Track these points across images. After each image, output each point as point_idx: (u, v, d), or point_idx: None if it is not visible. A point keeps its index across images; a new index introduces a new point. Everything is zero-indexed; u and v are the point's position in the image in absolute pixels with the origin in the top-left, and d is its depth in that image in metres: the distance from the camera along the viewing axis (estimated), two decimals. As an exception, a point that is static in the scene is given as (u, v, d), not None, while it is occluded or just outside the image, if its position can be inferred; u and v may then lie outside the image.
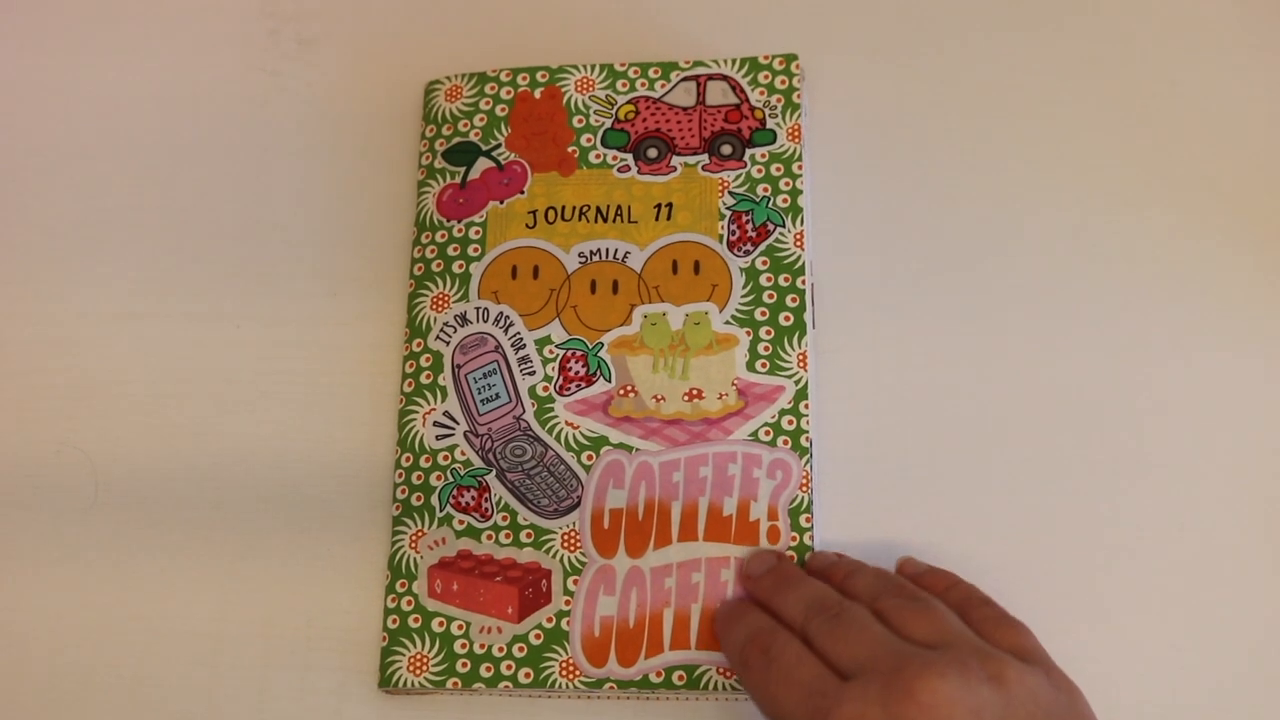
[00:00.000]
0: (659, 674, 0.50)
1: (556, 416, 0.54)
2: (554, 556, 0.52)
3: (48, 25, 0.64)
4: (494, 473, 0.54)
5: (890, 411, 0.56)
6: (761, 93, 0.58)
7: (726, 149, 0.57)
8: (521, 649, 0.51)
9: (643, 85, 0.59)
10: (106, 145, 0.61)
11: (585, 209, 0.57)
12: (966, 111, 0.61)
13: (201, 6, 0.64)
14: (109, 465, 0.55)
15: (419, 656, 0.51)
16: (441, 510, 0.53)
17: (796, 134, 0.57)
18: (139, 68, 0.63)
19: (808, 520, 0.52)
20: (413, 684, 0.51)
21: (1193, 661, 0.52)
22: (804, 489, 0.52)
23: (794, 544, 0.52)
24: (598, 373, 0.55)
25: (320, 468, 0.56)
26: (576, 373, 0.55)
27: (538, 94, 0.59)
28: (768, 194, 0.56)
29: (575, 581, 0.52)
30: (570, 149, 0.58)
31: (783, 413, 0.53)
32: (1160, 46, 0.62)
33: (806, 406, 0.54)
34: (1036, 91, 0.61)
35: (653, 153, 0.58)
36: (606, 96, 0.59)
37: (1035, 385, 0.56)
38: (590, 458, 0.54)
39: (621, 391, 0.54)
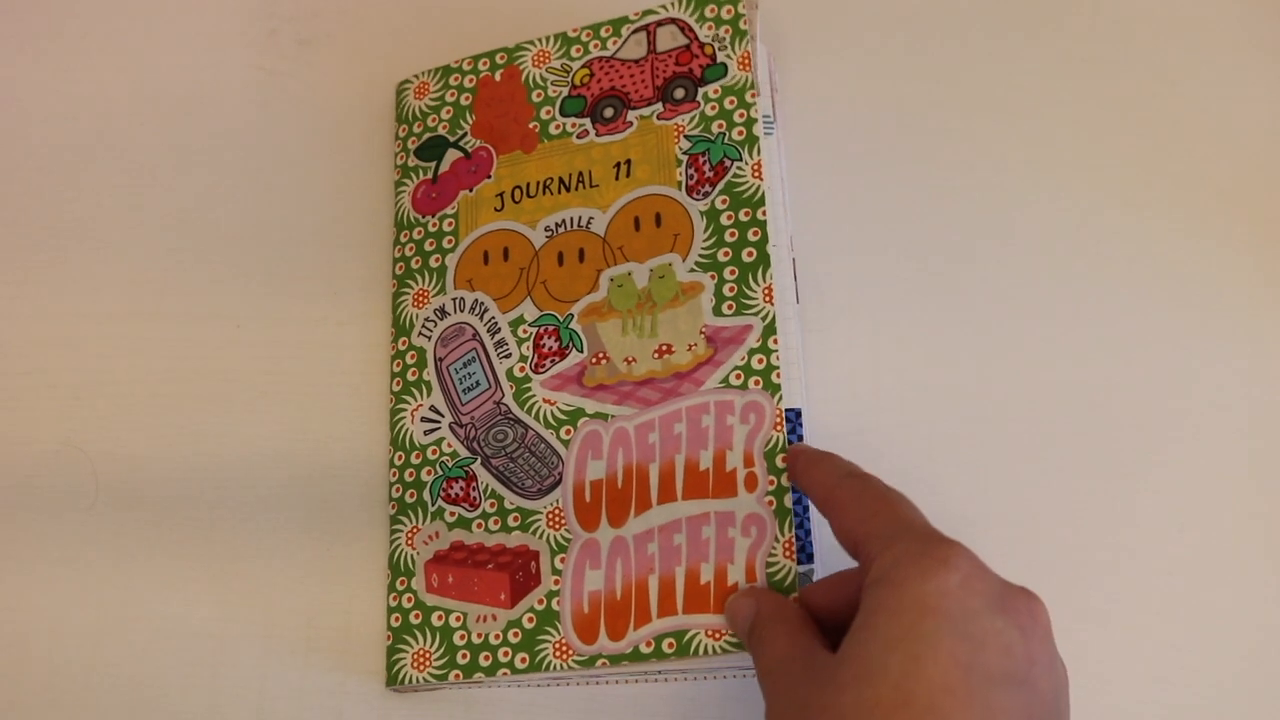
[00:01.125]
0: (649, 644, 0.48)
1: (534, 395, 0.53)
2: (540, 537, 0.51)
3: (48, 25, 0.64)
4: (479, 460, 0.53)
5: (882, 409, 0.55)
6: (710, 28, 0.55)
7: (679, 93, 0.55)
8: (516, 634, 0.50)
9: (596, 47, 0.58)
10: (106, 145, 0.61)
11: (549, 182, 0.56)
12: (964, 107, 0.61)
13: (201, 6, 0.64)
14: (109, 465, 0.55)
15: (422, 652, 0.51)
16: (433, 504, 0.53)
17: (746, 62, 0.54)
18: (139, 67, 0.63)
19: (783, 460, 0.49)
20: (418, 680, 0.51)
21: (1192, 661, 0.51)
22: (777, 429, 0.49)
23: (771, 488, 0.48)
24: (570, 345, 0.53)
25: (320, 467, 0.56)
26: (550, 348, 0.54)
27: (498, 76, 0.59)
28: (723, 130, 0.54)
29: (562, 560, 0.51)
30: (531, 124, 0.57)
31: (751, 352, 0.50)
32: (1159, 45, 0.61)
33: (775, 342, 0.50)
34: (1034, 88, 0.61)
35: (609, 112, 0.56)
36: (562, 65, 0.58)
37: (1031, 384, 0.55)
38: (569, 432, 0.52)
39: (594, 359, 0.53)
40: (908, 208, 0.58)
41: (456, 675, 0.50)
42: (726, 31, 0.55)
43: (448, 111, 0.59)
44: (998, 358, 0.56)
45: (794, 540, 0.47)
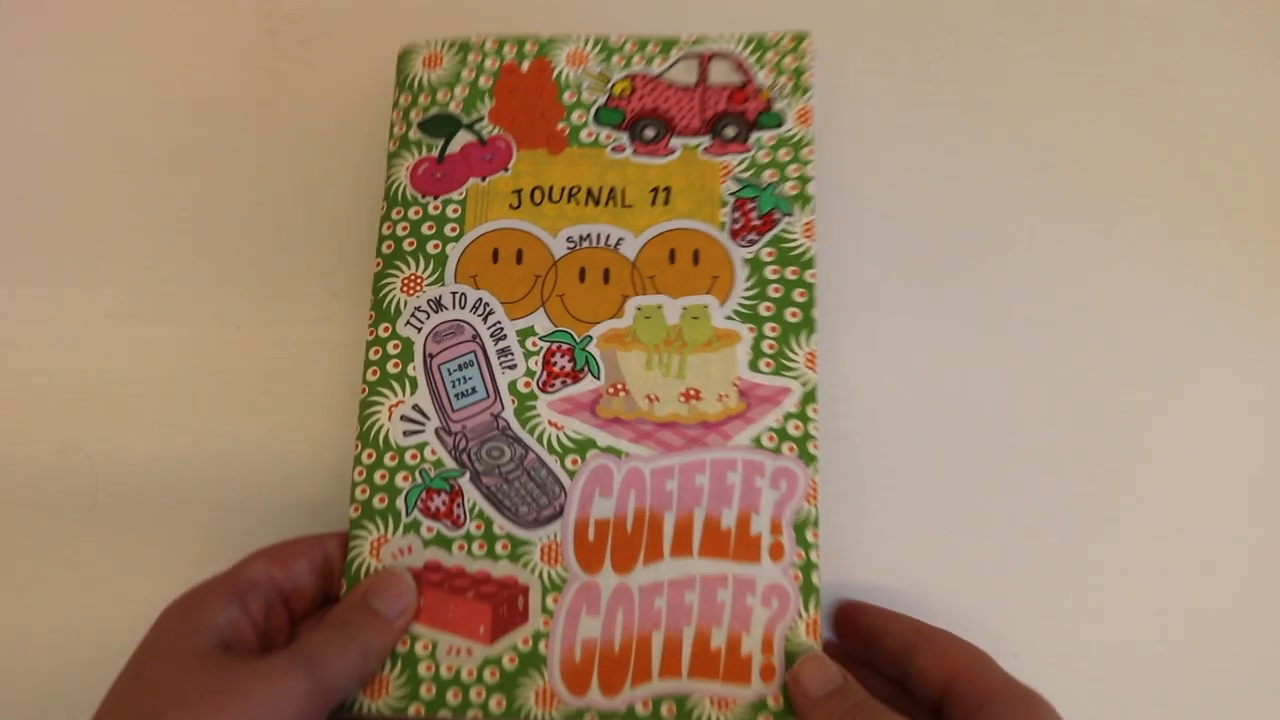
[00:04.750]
0: (645, 704, 0.45)
1: (539, 415, 0.49)
2: (532, 571, 0.47)
3: (48, 26, 0.63)
4: (468, 475, 0.48)
5: (883, 410, 0.55)
6: (769, 73, 0.54)
7: (730, 131, 0.53)
8: (494, 673, 0.46)
9: (640, 62, 0.54)
10: (107, 145, 0.60)
11: (575, 190, 0.52)
12: (964, 110, 0.60)
13: (201, 6, 0.63)
14: (109, 465, 0.54)
15: (379, 679, 0.46)
16: (408, 515, 0.48)
17: (806, 118, 0.53)
18: (139, 68, 0.62)
19: (814, 536, 0.47)
20: (370, 708, 0.45)
21: (1192, 661, 0.51)
22: (811, 501, 0.47)
23: (799, 561, 0.47)
24: (585, 368, 0.49)
25: (321, 468, 0.54)
26: (562, 368, 0.49)
27: (525, 65, 0.54)
28: (774, 180, 0.52)
29: (555, 599, 0.46)
30: (560, 125, 0.53)
31: (788, 417, 0.48)
32: (1159, 45, 0.62)
33: (815, 410, 0.49)
34: (1033, 91, 0.61)
35: (650, 133, 0.53)
36: (600, 72, 0.54)
37: (1031, 384, 0.55)
38: (575, 462, 0.48)
39: (611, 390, 0.49)
40: (908, 209, 0.58)
41: (418, 709, 0.45)
42: (788, 81, 0.53)
43: (463, 90, 0.54)
44: (998, 358, 0.56)
45: (818, 621, 0.46)
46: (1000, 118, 0.60)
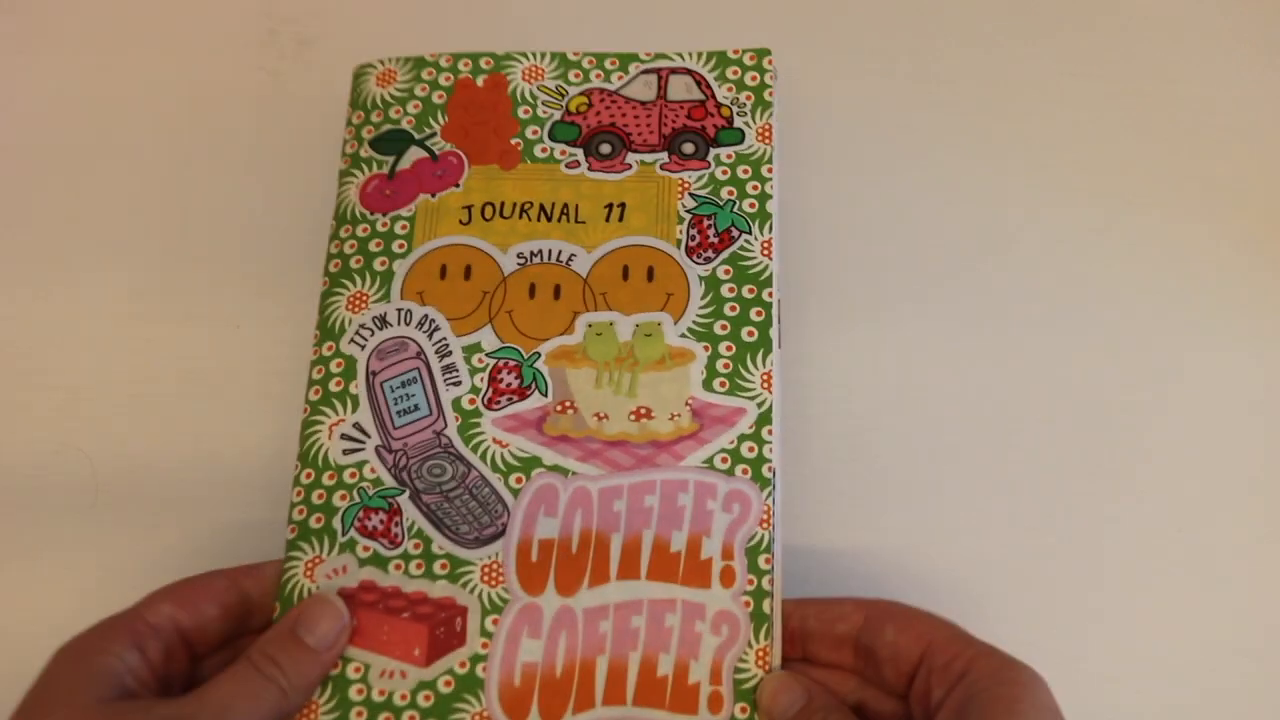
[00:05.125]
0: None
1: (483, 433, 0.47)
2: (472, 591, 0.45)
3: (48, 26, 0.63)
4: (407, 494, 0.46)
5: (880, 411, 0.54)
6: (729, 89, 0.53)
7: (689, 148, 0.52)
8: (428, 698, 0.43)
9: (598, 77, 0.53)
10: (106, 145, 0.60)
11: (527, 206, 0.51)
12: (961, 110, 0.60)
13: (201, 6, 0.63)
14: (109, 465, 0.54)
15: (309, 705, 0.43)
16: (344, 535, 0.46)
17: (767, 134, 0.52)
18: (139, 68, 0.62)
19: (767, 562, 0.45)
20: None
21: (1192, 661, 0.51)
22: (764, 525, 0.45)
23: (750, 588, 0.45)
24: (533, 385, 0.48)
25: None
26: (508, 384, 0.48)
27: (480, 81, 0.53)
28: (733, 197, 0.50)
29: (495, 621, 0.44)
30: (514, 141, 0.52)
31: (742, 438, 0.47)
32: (1158, 45, 0.62)
33: (770, 432, 0.47)
34: (1032, 91, 0.61)
35: (606, 148, 0.52)
36: (557, 87, 0.53)
37: (1031, 383, 0.55)
38: (520, 480, 0.46)
39: (559, 407, 0.47)
40: (908, 209, 0.58)
41: (348, 736, 0.43)
42: (748, 98, 0.52)
43: (415, 106, 0.53)
44: (997, 358, 0.55)
45: (768, 650, 0.44)
46: (1000, 118, 0.60)
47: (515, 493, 0.46)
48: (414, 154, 0.52)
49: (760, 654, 0.44)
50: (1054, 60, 0.61)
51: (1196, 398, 0.55)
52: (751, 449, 0.47)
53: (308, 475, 0.47)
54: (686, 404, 0.47)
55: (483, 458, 0.47)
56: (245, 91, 0.61)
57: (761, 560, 0.45)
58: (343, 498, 0.46)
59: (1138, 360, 0.55)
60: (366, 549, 0.46)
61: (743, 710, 0.43)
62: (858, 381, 0.55)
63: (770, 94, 0.52)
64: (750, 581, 0.45)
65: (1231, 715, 0.50)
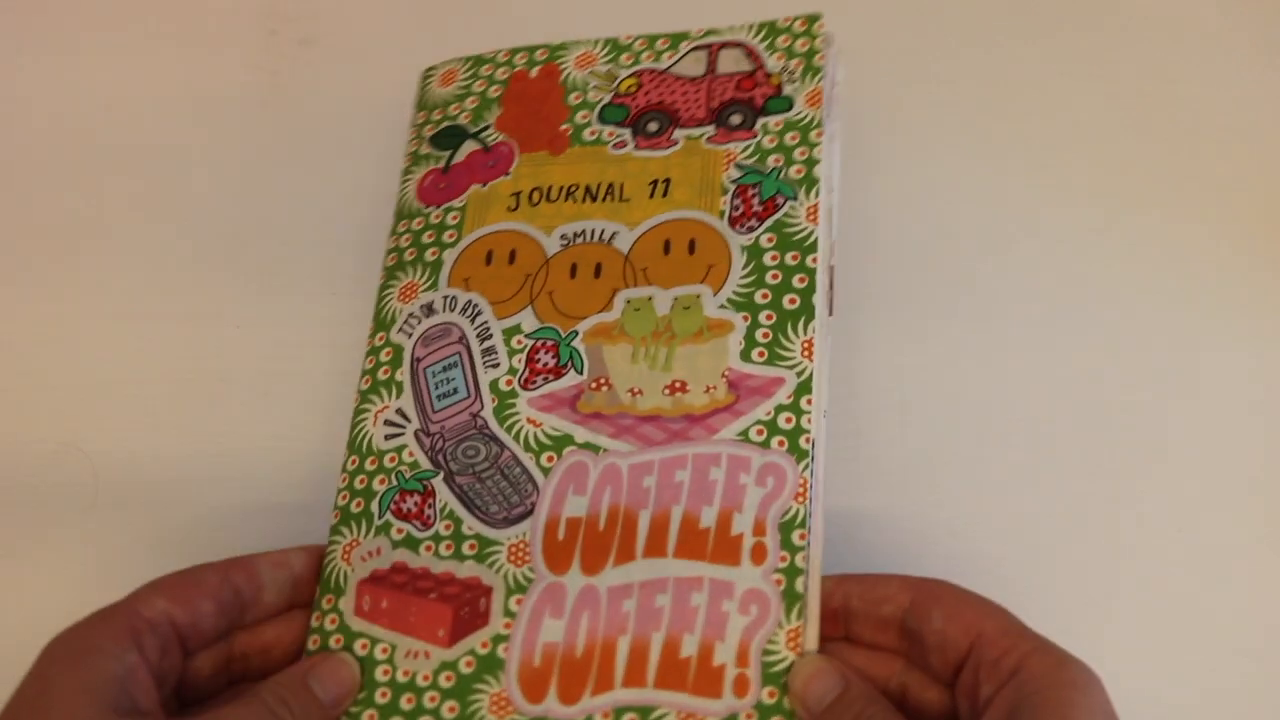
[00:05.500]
0: (606, 716, 0.41)
1: (518, 413, 0.46)
2: (497, 571, 0.44)
3: (48, 26, 0.64)
4: (441, 475, 0.46)
5: (883, 409, 0.53)
6: (780, 57, 0.51)
7: (736, 119, 0.50)
8: (449, 678, 0.43)
9: (649, 58, 0.52)
10: (107, 145, 0.61)
11: (573, 188, 0.50)
12: (963, 111, 0.60)
13: (201, 7, 0.64)
14: (109, 465, 0.54)
15: None
16: (380, 518, 0.46)
17: (816, 99, 0.49)
18: (139, 68, 0.63)
19: (802, 538, 0.42)
20: None
21: (1192, 661, 0.49)
22: (800, 499, 0.43)
23: (783, 565, 0.42)
24: (569, 364, 0.47)
25: (320, 469, 0.51)
26: (545, 364, 0.47)
27: (534, 72, 0.53)
28: (779, 165, 0.48)
29: (519, 601, 0.43)
30: (564, 127, 0.52)
31: (780, 409, 0.44)
32: (1158, 45, 0.61)
33: (809, 402, 0.44)
34: (1033, 91, 0.60)
35: (653, 126, 0.51)
36: (608, 71, 0.53)
37: (1032, 383, 0.54)
38: (551, 459, 0.45)
39: (594, 385, 0.46)
40: (907, 209, 0.57)
41: (371, 716, 0.43)
42: (798, 65, 0.50)
43: (472, 101, 0.53)
44: (996, 358, 0.54)
45: (801, 631, 0.41)
46: (1000, 118, 0.59)
47: (546, 472, 0.45)
48: (468, 147, 0.52)
49: (791, 635, 0.41)
50: (1054, 60, 0.61)
51: (1196, 398, 0.53)
52: (789, 420, 0.44)
53: (353, 462, 0.47)
54: (723, 376, 0.45)
55: (516, 438, 0.46)
56: (245, 91, 0.62)
57: (795, 536, 0.42)
58: (381, 482, 0.46)
59: (1138, 360, 0.54)
60: (400, 531, 0.45)
61: (771, 695, 0.40)
62: (856, 381, 0.53)
63: (820, 59, 0.50)
64: (783, 558, 0.42)
65: (1231, 715, 0.48)
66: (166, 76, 0.62)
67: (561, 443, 0.45)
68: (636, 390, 0.46)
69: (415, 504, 0.46)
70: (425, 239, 0.51)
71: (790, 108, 0.49)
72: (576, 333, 0.47)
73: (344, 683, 0.42)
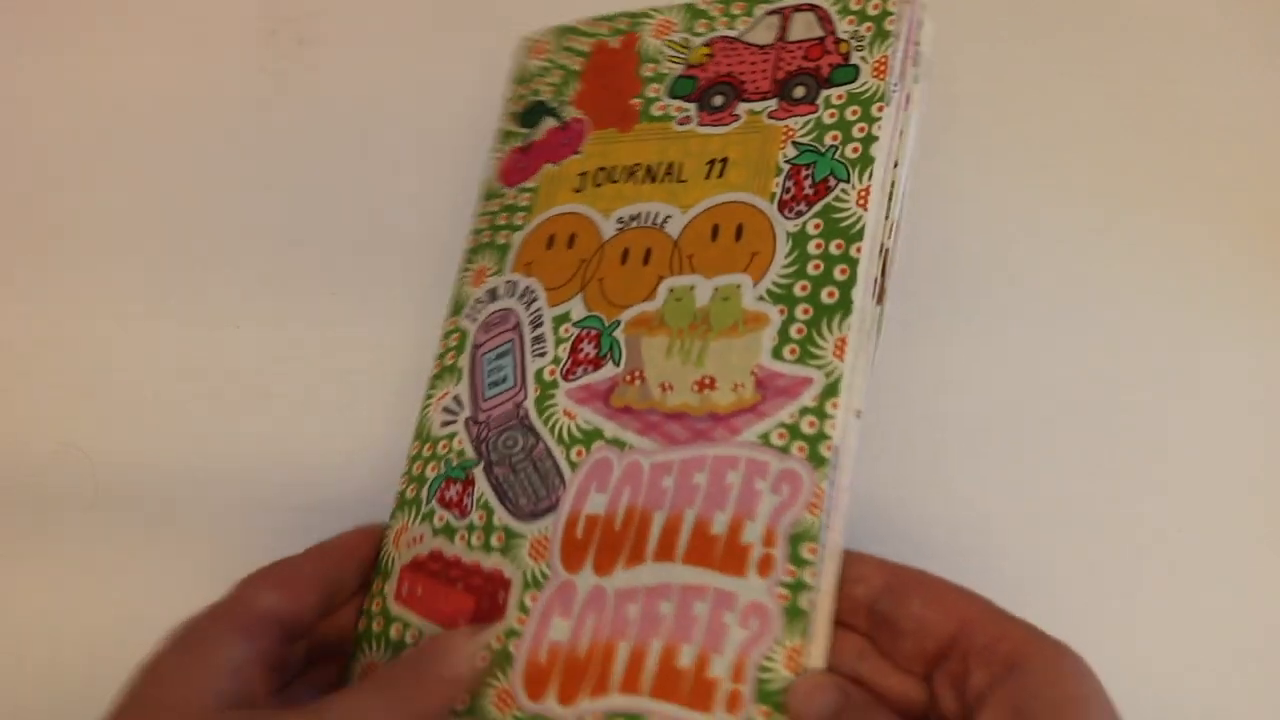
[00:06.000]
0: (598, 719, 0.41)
1: (556, 404, 0.46)
2: (519, 566, 0.44)
3: (48, 25, 0.65)
4: (482, 465, 0.46)
5: (885, 407, 0.48)
6: (851, 21, 0.47)
7: (799, 91, 0.47)
8: None
9: (724, 24, 0.50)
10: (107, 145, 0.61)
11: (635, 169, 0.49)
12: (965, 111, 0.58)
13: (201, 6, 0.64)
14: (109, 465, 0.54)
15: (369, 666, 0.45)
16: (427, 505, 0.47)
17: (882, 69, 0.45)
18: (139, 68, 0.63)
19: (811, 551, 0.40)
20: None
21: (1192, 661, 0.49)
22: (813, 510, 0.40)
23: (789, 579, 0.40)
24: (608, 355, 0.46)
25: (322, 469, 0.53)
26: (586, 354, 0.46)
27: (616, 42, 0.52)
28: (836, 143, 0.45)
29: (534, 598, 0.43)
30: (634, 101, 0.50)
31: (804, 411, 0.42)
32: (1158, 45, 0.60)
33: (834, 406, 0.41)
34: (1034, 91, 0.59)
35: (718, 100, 0.48)
36: (683, 40, 0.50)
37: (1032, 383, 0.53)
38: (580, 454, 0.45)
39: (628, 378, 0.45)
40: (906, 209, 0.51)
41: (393, 701, 0.44)
42: (868, 29, 0.46)
43: (557, 75, 0.52)
44: (996, 358, 0.54)
45: (801, 650, 0.39)
46: (1000, 117, 0.58)
47: (574, 466, 0.45)
48: (547, 123, 0.52)
49: (791, 654, 0.39)
50: (1054, 60, 0.60)
51: (1196, 398, 0.53)
52: (812, 424, 0.42)
53: (415, 448, 0.48)
54: (752, 373, 0.43)
55: (551, 430, 0.46)
56: (245, 91, 0.61)
57: (805, 549, 0.40)
58: (433, 469, 0.47)
59: (1138, 360, 0.53)
60: (441, 519, 0.46)
61: (764, 714, 0.39)
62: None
63: (891, 22, 0.46)
64: (790, 572, 0.40)
65: (1232, 715, 0.48)
66: (166, 76, 0.63)
67: (591, 437, 0.45)
68: (667, 385, 0.44)
69: (457, 493, 0.46)
70: (500, 221, 0.51)
71: (855, 78, 0.46)
72: (619, 322, 0.46)
73: (460, 661, 0.42)
